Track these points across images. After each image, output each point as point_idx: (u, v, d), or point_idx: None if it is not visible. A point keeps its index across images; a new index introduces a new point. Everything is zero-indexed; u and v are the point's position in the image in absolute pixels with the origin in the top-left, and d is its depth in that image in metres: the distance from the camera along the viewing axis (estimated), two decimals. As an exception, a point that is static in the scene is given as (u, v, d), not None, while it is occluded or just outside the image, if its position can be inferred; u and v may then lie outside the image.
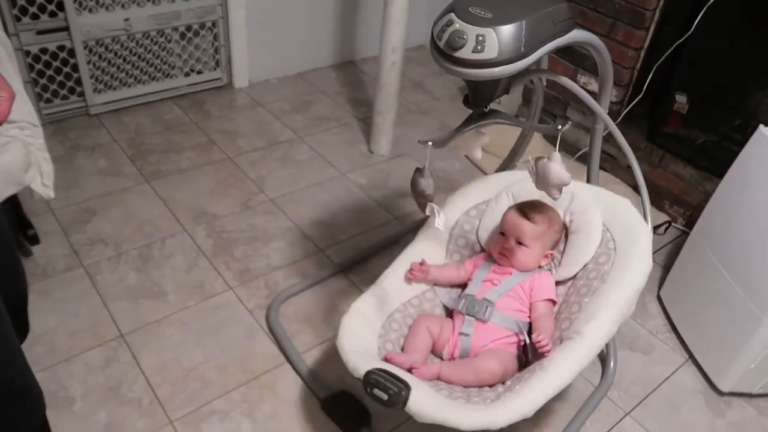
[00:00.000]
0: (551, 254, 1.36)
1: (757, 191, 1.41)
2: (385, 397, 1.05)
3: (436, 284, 1.41)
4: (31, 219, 1.74)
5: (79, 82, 2.21)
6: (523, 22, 0.97)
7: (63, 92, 2.21)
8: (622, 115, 2.22)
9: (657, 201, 2.10)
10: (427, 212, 1.21)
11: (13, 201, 1.63)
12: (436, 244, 1.43)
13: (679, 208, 2.06)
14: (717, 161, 1.95)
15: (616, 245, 1.28)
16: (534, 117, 1.65)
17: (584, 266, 1.31)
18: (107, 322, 1.54)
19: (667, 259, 1.94)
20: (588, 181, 1.53)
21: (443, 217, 1.19)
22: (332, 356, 1.49)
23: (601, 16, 2.11)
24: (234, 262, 1.75)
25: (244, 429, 1.34)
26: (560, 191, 1.14)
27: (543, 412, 1.44)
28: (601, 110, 1.30)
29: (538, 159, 1.16)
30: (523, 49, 0.98)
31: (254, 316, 1.60)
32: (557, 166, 1.12)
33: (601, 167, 2.18)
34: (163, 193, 1.98)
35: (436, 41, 1.01)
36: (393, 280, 1.35)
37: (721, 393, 1.53)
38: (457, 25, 0.97)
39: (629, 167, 2.24)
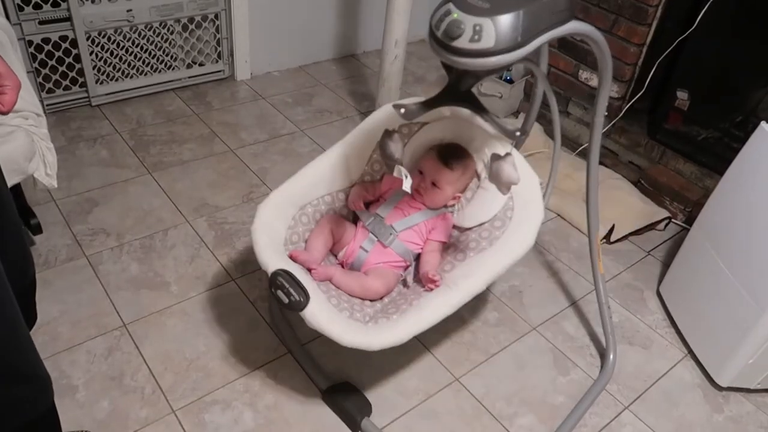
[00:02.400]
0: (459, 197, 1.51)
1: (757, 188, 1.42)
2: (286, 300, 1.18)
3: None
4: (33, 208, 1.74)
5: (81, 72, 2.21)
6: (521, 12, 0.97)
7: (65, 83, 2.21)
8: (623, 111, 2.23)
9: (657, 197, 2.11)
10: (395, 174, 1.32)
11: (16, 190, 1.63)
12: (361, 148, 1.53)
13: (679, 205, 2.07)
14: (717, 158, 1.96)
15: (514, 215, 1.40)
16: (532, 111, 1.65)
17: (480, 224, 1.45)
18: (110, 312, 1.54)
19: (667, 255, 1.95)
20: (588, 176, 1.53)
21: (410, 180, 1.33)
22: (334, 347, 1.50)
23: (604, 12, 2.12)
24: (235, 254, 1.76)
25: (246, 419, 1.35)
26: (509, 189, 1.25)
27: (542, 405, 1.45)
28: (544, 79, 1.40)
29: (494, 156, 1.23)
30: (520, 39, 0.98)
31: (256, 307, 1.61)
32: (509, 167, 1.21)
33: (602, 162, 2.19)
34: (164, 185, 1.98)
35: (434, 31, 1.02)
36: (313, 173, 1.46)
37: (719, 388, 1.54)
38: (455, 15, 0.98)
39: (631, 162, 2.26)
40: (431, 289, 1.33)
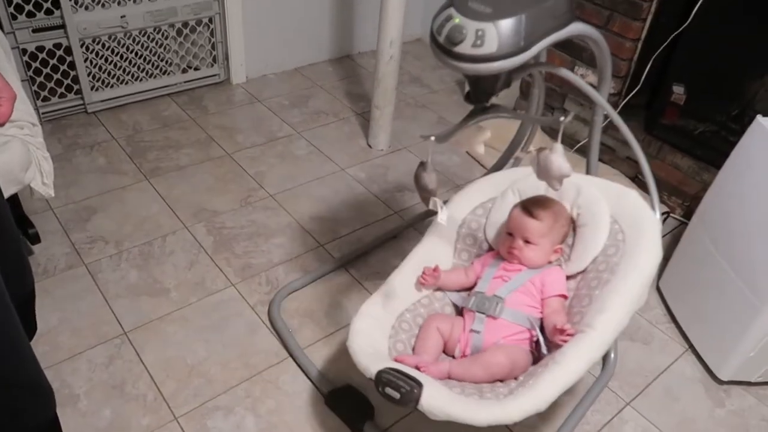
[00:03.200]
0: (560, 249, 1.35)
1: (755, 181, 1.42)
2: (397, 395, 1.04)
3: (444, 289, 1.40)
4: (31, 218, 1.74)
5: (76, 80, 2.21)
6: (523, 16, 0.97)
7: (60, 90, 2.21)
8: (620, 107, 2.23)
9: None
10: (431, 206, 1.20)
11: (14, 200, 1.63)
12: (444, 243, 1.42)
13: (677, 199, 2.07)
14: (715, 151, 1.95)
15: (625, 237, 1.27)
16: (537, 110, 1.65)
17: (594, 259, 1.30)
18: (110, 320, 1.54)
19: (666, 250, 1.93)
20: (587, 172, 1.53)
21: (446, 212, 1.19)
22: (335, 351, 1.50)
23: (598, 8, 2.11)
24: (235, 259, 1.76)
25: (248, 424, 1.35)
26: (561, 182, 1.14)
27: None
28: (603, 100, 1.30)
29: (539, 150, 1.16)
30: (522, 43, 0.98)
31: (256, 311, 1.61)
32: (559, 157, 1.12)
33: (600, 159, 2.18)
34: (162, 190, 1.98)
35: (436, 36, 1.01)
36: (401, 279, 1.33)
37: (720, 382, 1.54)
38: (457, 20, 0.97)
39: (629, 158, 2.26)
40: (564, 341, 1.16)
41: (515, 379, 1.20)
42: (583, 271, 1.32)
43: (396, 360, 1.18)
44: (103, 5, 2.14)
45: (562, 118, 1.12)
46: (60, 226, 1.80)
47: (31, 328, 1.10)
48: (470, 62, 0.98)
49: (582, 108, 2.32)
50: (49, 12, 2.05)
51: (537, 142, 2.30)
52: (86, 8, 2.11)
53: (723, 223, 1.52)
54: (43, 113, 2.20)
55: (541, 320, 1.28)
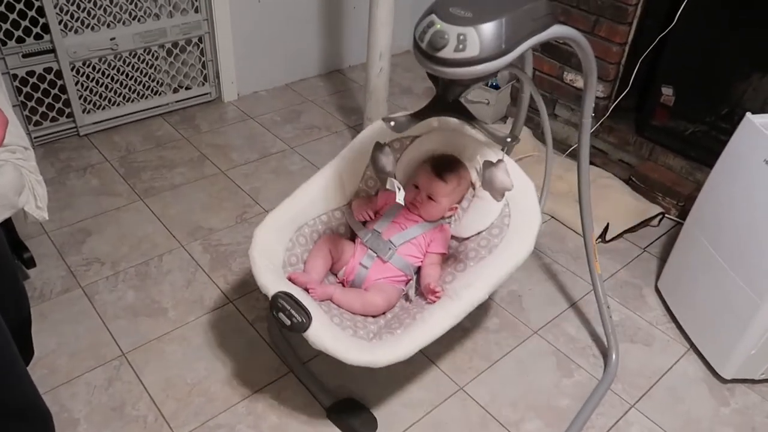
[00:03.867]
0: (456, 208, 1.51)
1: (747, 178, 1.43)
2: (288, 323, 1.17)
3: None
4: (26, 242, 1.73)
5: (67, 103, 2.21)
6: (503, 20, 0.98)
7: (52, 114, 2.21)
8: (609, 110, 2.24)
9: (649, 193, 2.12)
10: (387, 186, 1.32)
11: (8, 225, 1.62)
12: (354, 165, 1.53)
13: (671, 200, 2.08)
14: (706, 151, 1.97)
15: (511, 222, 1.40)
16: (520, 115, 1.66)
17: (479, 233, 1.45)
18: (108, 342, 1.53)
19: (663, 251, 1.95)
20: (579, 176, 1.53)
21: (403, 193, 1.31)
22: (335, 364, 1.49)
23: (584, 14, 2.14)
24: (232, 275, 1.75)
25: (251, 441, 1.33)
26: (503, 195, 1.29)
27: (548, 409, 1.44)
28: (534, 87, 1.40)
29: (486, 163, 1.25)
30: (504, 46, 0.99)
31: (255, 328, 1.60)
32: (502, 173, 1.24)
33: (592, 162, 2.20)
34: (157, 210, 1.97)
35: (419, 42, 1.02)
36: (308, 193, 1.46)
37: (723, 380, 1.54)
38: (438, 26, 0.99)
39: (621, 161, 2.27)
40: (434, 301, 1.33)
41: (383, 314, 1.40)
42: (466, 239, 1.47)
43: (289, 278, 1.32)
44: (92, 28, 2.15)
45: (509, 139, 1.24)
46: (55, 249, 1.79)
47: (28, 353, 1.09)
48: (453, 66, 1.00)
49: (572, 113, 2.34)
50: (38, 37, 2.05)
51: (528, 146, 2.31)
52: (76, 32, 2.12)
53: (718, 221, 1.53)
54: (35, 137, 2.20)
55: (419, 267, 1.47)
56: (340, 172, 1.52)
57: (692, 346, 1.63)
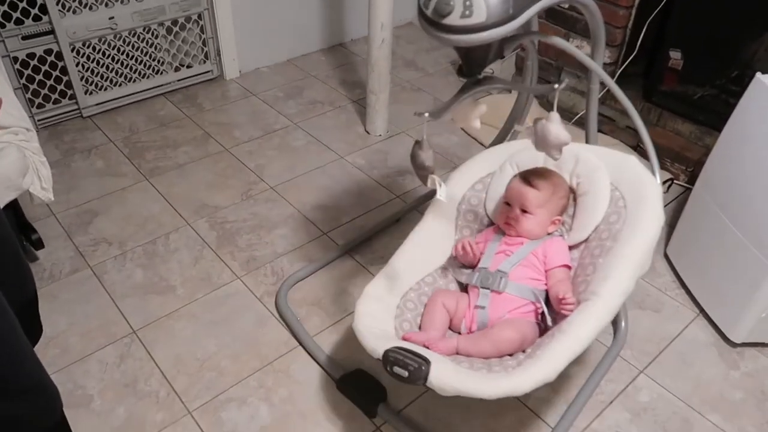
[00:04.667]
0: (559, 220, 1.34)
1: (757, 140, 1.40)
2: (405, 374, 1.03)
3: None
4: (33, 224, 1.74)
5: (69, 84, 2.20)
6: None
7: (54, 96, 2.20)
8: (616, 76, 2.20)
9: (658, 159, 2.09)
10: (429, 185, 1.19)
11: (15, 207, 1.63)
12: (445, 221, 1.41)
13: (680, 165, 2.05)
14: (715, 115, 1.93)
15: (626, 203, 1.26)
16: (532, 83, 1.63)
17: (596, 228, 1.29)
18: (118, 320, 1.54)
19: (672, 217, 1.93)
20: (587, 143, 1.52)
21: (445, 189, 1.17)
22: (344, 336, 1.50)
23: (589, -23, 2.08)
24: (239, 252, 1.76)
25: (262, 413, 1.35)
26: (560, 151, 1.12)
27: (558, 376, 1.44)
28: (598, 68, 1.29)
29: (536, 120, 1.14)
30: (511, 11, 0.97)
31: (263, 303, 1.60)
32: (556, 126, 1.10)
33: (600, 130, 2.17)
34: (162, 189, 1.98)
35: (424, 10, 1.00)
36: (404, 259, 1.32)
37: (733, 344, 1.53)
38: None
39: (629, 128, 2.24)
40: (568, 312, 1.16)
41: (523, 352, 1.19)
42: (585, 240, 1.31)
43: (404, 338, 1.17)
44: (90, 8, 2.13)
45: (556, 85, 1.11)
46: (63, 230, 1.80)
47: (36, 331, 1.09)
48: (459, 33, 0.97)
49: (579, 80, 2.30)
50: (37, 18, 2.04)
51: (534, 114, 2.28)
52: (74, 12, 2.10)
53: (728, 186, 1.50)
54: (38, 120, 2.20)
55: (546, 292, 1.27)
56: (432, 231, 1.38)
57: (702, 311, 1.62)
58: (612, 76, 2.21)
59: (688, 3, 1.95)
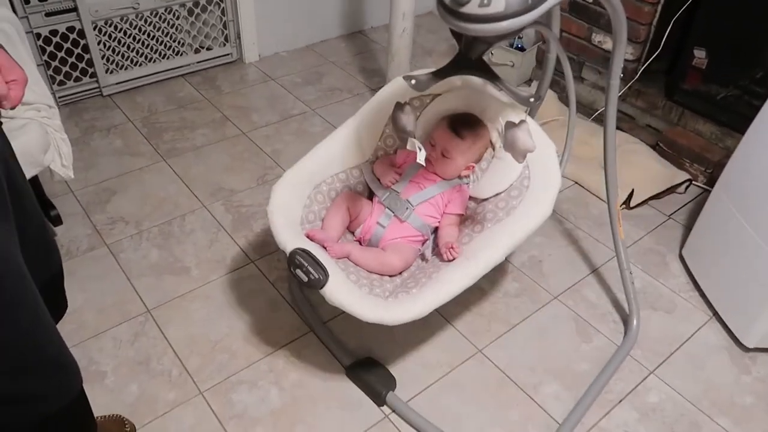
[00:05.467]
0: (473, 167, 1.49)
1: (781, 143, 1.38)
2: (306, 279, 1.19)
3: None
4: (52, 200, 1.76)
5: (90, 63, 2.22)
6: None
7: (76, 74, 2.22)
8: (639, 73, 2.18)
9: (677, 159, 2.07)
10: (408, 147, 1.30)
11: (35, 183, 1.64)
12: (374, 123, 1.52)
13: (699, 166, 2.03)
14: (738, 116, 1.91)
15: (530, 184, 1.38)
16: (545, 77, 1.62)
17: (497, 194, 1.43)
18: (133, 299, 1.56)
19: (689, 218, 1.91)
20: (605, 140, 1.50)
21: (424, 152, 1.29)
22: (355, 324, 1.51)
23: (616, -28, 2.05)
24: (253, 236, 1.77)
25: (272, 397, 1.36)
26: (524, 157, 1.23)
27: (566, 373, 1.45)
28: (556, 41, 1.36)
29: (508, 124, 1.21)
30: (530, 1, 0.96)
31: (277, 287, 1.62)
32: (524, 134, 1.19)
33: (619, 127, 2.15)
34: (179, 171, 1.99)
35: None
36: (326, 150, 1.46)
37: (746, 349, 1.52)
38: None
39: (649, 126, 2.21)
40: (450, 260, 1.33)
41: (400, 274, 1.41)
42: (484, 200, 1.46)
43: (306, 234, 1.34)
44: (114, -14, 2.13)
45: (532, 99, 1.20)
46: (81, 208, 1.82)
47: (61, 306, 1.11)
48: (478, 23, 0.96)
49: (599, 76, 2.28)
50: (61, -5, 2.05)
51: (553, 110, 2.27)
52: (97, -10, 2.11)
53: (749, 190, 1.49)
54: (59, 97, 2.21)
55: (436, 228, 1.47)
56: (358, 129, 1.51)
57: (715, 314, 1.61)
58: (634, 73, 2.19)
59: (714, 1, 1.92)
